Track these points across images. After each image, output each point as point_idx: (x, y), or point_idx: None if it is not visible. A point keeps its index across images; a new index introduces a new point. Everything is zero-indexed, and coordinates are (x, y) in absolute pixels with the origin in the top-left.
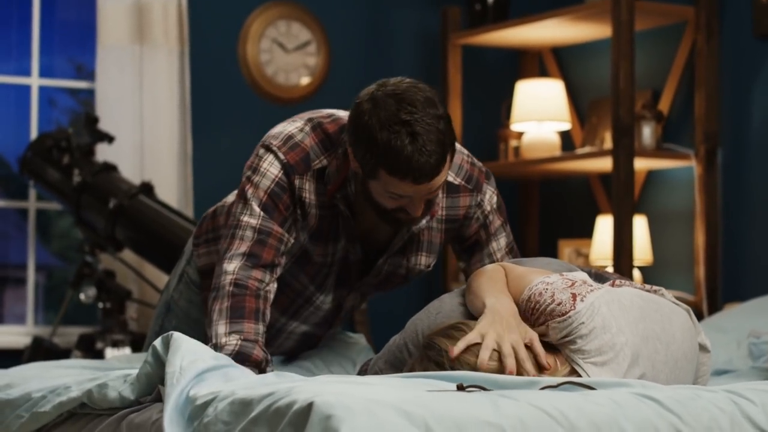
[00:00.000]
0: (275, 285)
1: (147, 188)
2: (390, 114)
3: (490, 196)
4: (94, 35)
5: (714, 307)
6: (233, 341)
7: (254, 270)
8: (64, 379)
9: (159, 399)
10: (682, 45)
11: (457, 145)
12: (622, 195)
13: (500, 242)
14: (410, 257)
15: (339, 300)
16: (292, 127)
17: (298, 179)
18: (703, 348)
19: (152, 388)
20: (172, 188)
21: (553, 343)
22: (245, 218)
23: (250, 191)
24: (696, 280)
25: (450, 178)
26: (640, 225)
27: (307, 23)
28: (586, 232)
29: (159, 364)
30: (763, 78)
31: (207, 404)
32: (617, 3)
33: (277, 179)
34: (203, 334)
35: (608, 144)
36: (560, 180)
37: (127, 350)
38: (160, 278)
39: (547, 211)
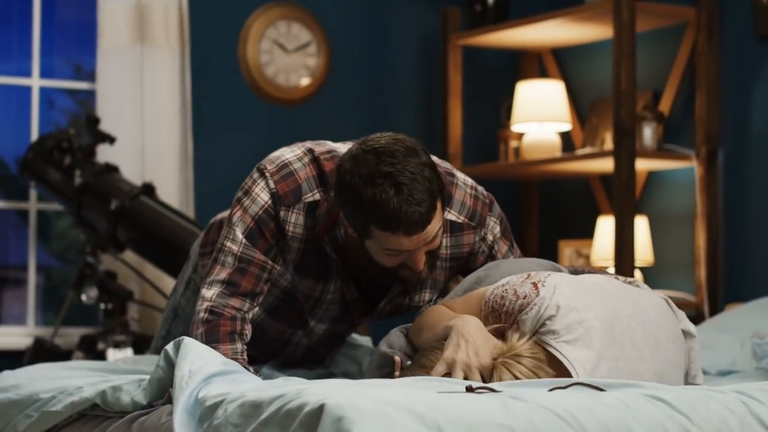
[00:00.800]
0: (257, 309)
1: (148, 189)
2: (371, 169)
3: (492, 226)
4: (93, 36)
5: (715, 308)
6: None
7: (232, 298)
8: (73, 380)
9: (170, 401)
10: (682, 46)
11: (459, 176)
12: (623, 196)
13: None
14: (413, 296)
15: (337, 330)
16: (290, 154)
17: (283, 211)
18: (688, 334)
19: (164, 392)
20: (172, 189)
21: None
22: (228, 243)
23: (237, 214)
24: (697, 280)
25: (453, 217)
26: (640, 226)
27: (308, 24)
28: (586, 232)
29: (171, 369)
30: (763, 79)
31: (216, 406)
32: (618, 4)
33: (266, 206)
34: None
35: (608, 145)
36: (560, 181)
37: (128, 351)
38: (161, 279)
39: (547, 212)
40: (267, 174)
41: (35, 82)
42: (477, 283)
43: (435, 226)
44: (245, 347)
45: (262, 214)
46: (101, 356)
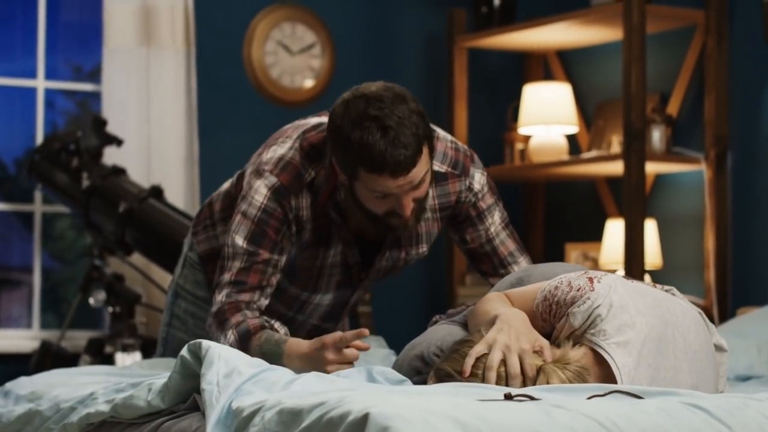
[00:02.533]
0: (267, 300)
1: (157, 192)
2: (359, 112)
3: (478, 177)
4: (95, 37)
5: (724, 311)
6: (231, 337)
7: (241, 294)
8: (92, 387)
9: (194, 407)
10: (690, 48)
11: (440, 132)
12: (633, 199)
13: (494, 217)
14: (409, 250)
15: (342, 298)
16: (281, 149)
17: (294, 199)
18: (719, 348)
19: (183, 396)
20: (178, 190)
21: (576, 332)
22: (230, 250)
23: (237, 219)
24: (706, 284)
25: (436, 167)
26: (649, 229)
27: (312, 25)
28: (592, 235)
29: (188, 373)
30: None
31: (253, 414)
32: (629, 6)
33: (263, 206)
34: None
35: (615, 148)
36: (566, 183)
37: (137, 354)
38: (168, 282)
39: (553, 215)
40: (266, 173)
41: (40, 83)
42: (518, 283)
43: (420, 170)
44: (254, 315)
45: (261, 215)
46: (109, 360)
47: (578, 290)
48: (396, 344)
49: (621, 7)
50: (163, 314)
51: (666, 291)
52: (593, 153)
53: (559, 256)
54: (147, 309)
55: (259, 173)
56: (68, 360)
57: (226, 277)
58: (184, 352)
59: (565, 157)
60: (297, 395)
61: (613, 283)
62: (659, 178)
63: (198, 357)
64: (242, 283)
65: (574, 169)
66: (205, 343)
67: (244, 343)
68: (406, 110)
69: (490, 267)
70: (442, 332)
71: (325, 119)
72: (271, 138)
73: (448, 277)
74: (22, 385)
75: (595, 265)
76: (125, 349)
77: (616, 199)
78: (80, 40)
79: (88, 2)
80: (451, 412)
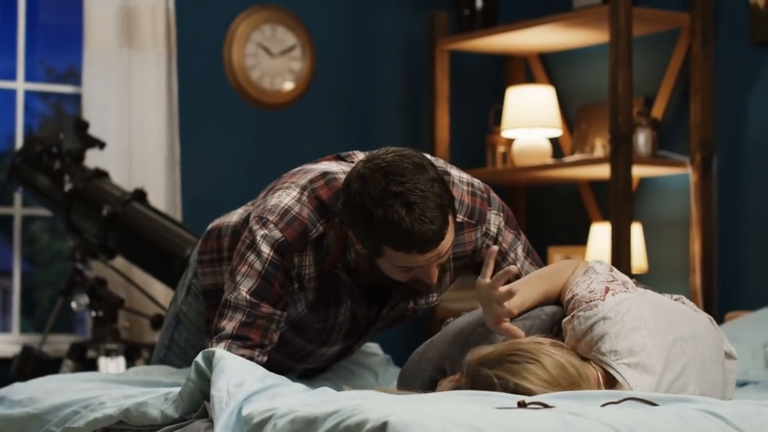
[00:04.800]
0: (265, 358)
1: (140, 195)
2: (380, 189)
3: (494, 219)
4: (75, 39)
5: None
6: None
7: (241, 350)
8: (92, 392)
9: (204, 415)
10: (675, 52)
11: (455, 173)
12: (620, 203)
13: (518, 252)
14: (418, 300)
15: (348, 345)
16: (288, 198)
17: (297, 257)
18: (728, 355)
19: (196, 405)
20: (159, 193)
21: (581, 344)
22: (232, 299)
23: (242, 270)
24: (692, 288)
25: None
26: (634, 233)
27: (293, 27)
28: (574, 239)
29: (203, 381)
30: (759, 85)
31: (264, 422)
32: (615, 9)
33: (271, 258)
34: None
35: (599, 151)
36: (549, 187)
37: (120, 359)
38: (151, 285)
39: (535, 218)
40: (270, 225)
41: (20, 85)
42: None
43: (448, 241)
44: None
45: (268, 268)
46: (92, 364)
47: (591, 292)
48: (383, 350)
49: (605, 10)
50: (162, 334)
51: (676, 300)
52: (576, 156)
53: (542, 260)
54: (129, 313)
55: (263, 223)
56: (50, 365)
57: (228, 329)
58: (198, 358)
59: (549, 160)
60: (309, 403)
61: (626, 303)
62: (644, 181)
63: (211, 364)
64: (245, 338)
65: (557, 173)
66: (219, 352)
67: None
68: (428, 180)
69: None
70: (450, 332)
71: (333, 167)
72: (277, 181)
73: None
74: (17, 391)
75: None
76: (108, 353)
77: (599, 202)
78: (59, 41)
79: (68, 4)
80: (469, 419)
